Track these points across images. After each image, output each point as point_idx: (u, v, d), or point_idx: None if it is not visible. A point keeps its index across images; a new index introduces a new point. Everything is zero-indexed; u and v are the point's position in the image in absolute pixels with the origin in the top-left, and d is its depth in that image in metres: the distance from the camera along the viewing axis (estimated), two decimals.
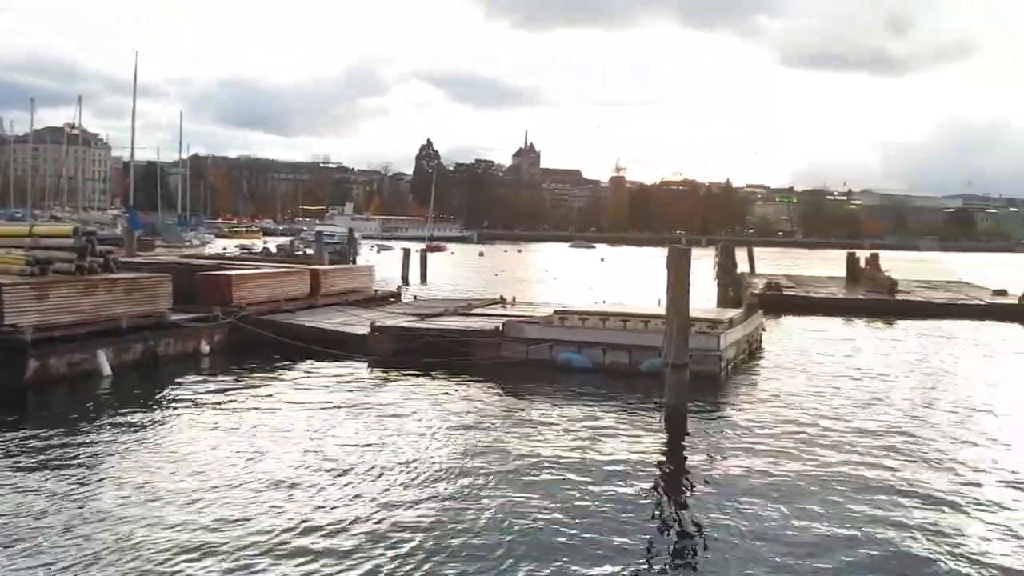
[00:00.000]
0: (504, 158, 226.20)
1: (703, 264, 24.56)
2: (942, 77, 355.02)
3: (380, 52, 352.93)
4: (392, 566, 7.10)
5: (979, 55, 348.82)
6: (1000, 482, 9.92)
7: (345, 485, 9.11)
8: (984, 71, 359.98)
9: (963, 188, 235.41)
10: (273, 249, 49.39)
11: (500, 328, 17.35)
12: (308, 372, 15.81)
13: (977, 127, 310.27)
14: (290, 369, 16.01)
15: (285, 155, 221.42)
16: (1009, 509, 8.94)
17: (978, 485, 9.78)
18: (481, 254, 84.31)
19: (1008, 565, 7.47)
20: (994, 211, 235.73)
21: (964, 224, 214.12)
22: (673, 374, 12.22)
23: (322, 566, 7.05)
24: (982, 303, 32.16)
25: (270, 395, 13.80)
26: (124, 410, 12.45)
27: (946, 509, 8.88)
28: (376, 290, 25.51)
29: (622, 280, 44.92)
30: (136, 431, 11.33)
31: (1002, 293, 34.02)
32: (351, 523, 8.00)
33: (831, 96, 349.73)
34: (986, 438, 12.14)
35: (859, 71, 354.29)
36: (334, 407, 12.92)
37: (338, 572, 6.97)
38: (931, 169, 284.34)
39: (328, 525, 7.92)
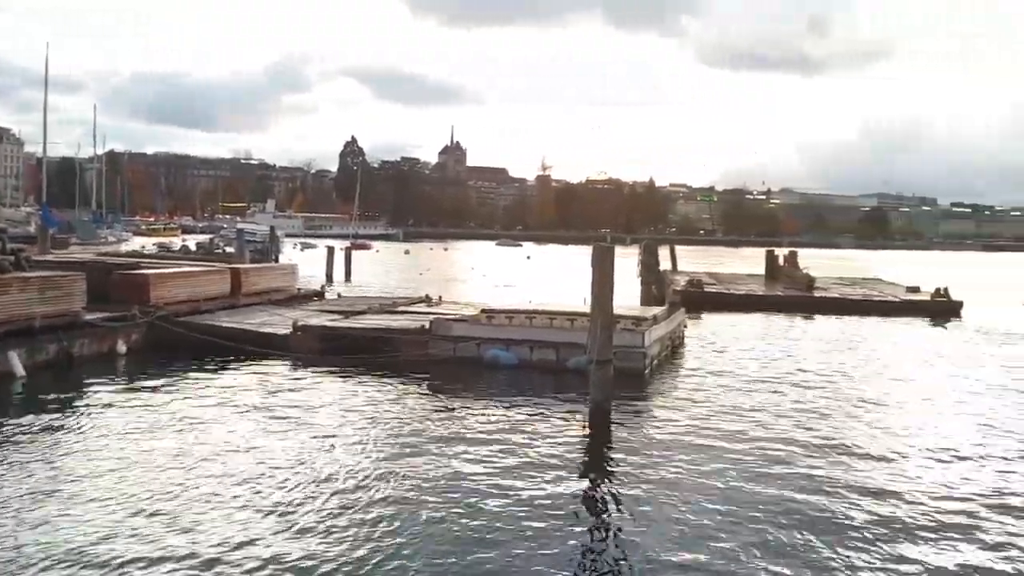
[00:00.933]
0: (430, 156, 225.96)
1: (627, 262, 24.86)
2: (860, 78, 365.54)
3: (305, 48, 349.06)
4: (312, 571, 7.01)
5: (895, 57, 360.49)
6: (905, 471, 10.25)
7: (264, 487, 8.95)
8: (900, 73, 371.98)
9: (880, 187, 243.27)
10: (192, 247, 48.44)
11: (427, 326, 17.27)
12: (228, 373, 15.52)
13: (894, 127, 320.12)
14: (210, 370, 15.67)
15: (205, 151, 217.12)
16: (911, 499, 9.22)
17: (884, 474, 10.08)
18: (407, 252, 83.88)
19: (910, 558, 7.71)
20: (907, 210, 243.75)
21: (878, 223, 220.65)
22: (598, 370, 12.35)
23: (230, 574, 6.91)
24: (896, 299, 33.19)
25: (188, 397, 13.47)
26: (37, 412, 12.01)
27: (858, 500, 9.13)
28: (299, 289, 25.20)
29: (549, 278, 45.16)
30: (50, 433, 10.96)
31: (915, 290, 35.17)
32: (269, 525, 7.87)
33: (753, 96, 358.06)
34: (895, 428, 12.56)
35: (781, 71, 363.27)
36: (255, 408, 12.69)
37: None
38: (849, 169, 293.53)
39: (242, 531, 7.76)
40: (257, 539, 7.52)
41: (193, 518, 7.95)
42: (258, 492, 8.77)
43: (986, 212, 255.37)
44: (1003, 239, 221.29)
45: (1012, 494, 9.44)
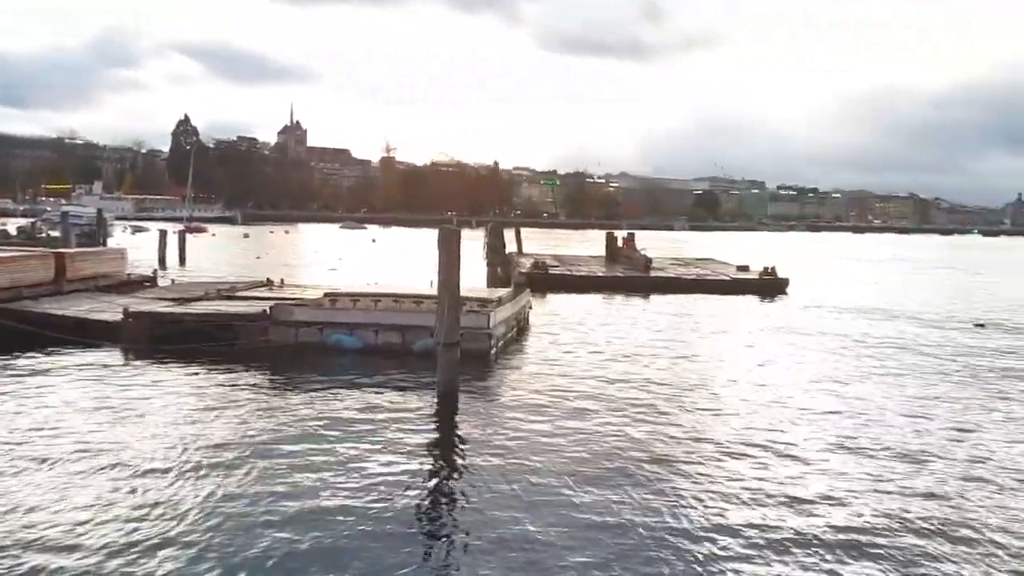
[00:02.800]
0: (269, 136, 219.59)
1: (474, 245, 24.91)
2: (692, 65, 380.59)
3: (131, 21, 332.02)
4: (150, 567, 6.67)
5: (724, 46, 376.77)
6: (737, 444, 10.71)
7: (95, 483, 8.46)
8: (729, 61, 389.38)
9: (712, 171, 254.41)
10: (13, 231, 45.48)
11: (267, 311, 16.76)
12: (53, 364, 14.57)
13: (723, 113, 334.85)
14: (33, 361, 14.68)
15: (23, 130, 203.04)
16: (740, 474, 9.65)
17: (719, 448, 10.50)
18: (246, 235, 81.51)
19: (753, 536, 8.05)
20: (737, 193, 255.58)
21: (710, 205, 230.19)
22: (445, 353, 12.31)
23: None
24: (727, 278, 34.66)
25: (8, 391, 12.57)
26: None
27: (693, 477, 9.46)
28: (129, 274, 24.02)
29: (395, 261, 44.83)
30: None
31: (745, 269, 36.92)
32: (100, 520, 7.44)
33: (591, 81, 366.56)
34: (729, 403, 13.06)
35: (616, 58, 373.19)
36: (82, 401, 11.99)
37: None
38: (683, 154, 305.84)
39: (69, 525, 7.32)
40: (85, 537, 7.09)
41: (14, 519, 7.43)
42: (89, 488, 8.27)
43: (810, 194, 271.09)
44: (825, 220, 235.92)
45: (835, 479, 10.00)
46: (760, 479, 9.23)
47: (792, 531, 7.75)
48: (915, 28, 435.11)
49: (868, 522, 8.04)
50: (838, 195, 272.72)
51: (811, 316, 25.22)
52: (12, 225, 55.24)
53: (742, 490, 8.85)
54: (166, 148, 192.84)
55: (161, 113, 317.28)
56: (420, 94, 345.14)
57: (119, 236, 56.52)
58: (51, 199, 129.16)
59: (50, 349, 15.46)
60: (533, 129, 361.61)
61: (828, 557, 7.22)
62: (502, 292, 19.49)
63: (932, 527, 7.96)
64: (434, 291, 13.53)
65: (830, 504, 8.50)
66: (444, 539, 7.55)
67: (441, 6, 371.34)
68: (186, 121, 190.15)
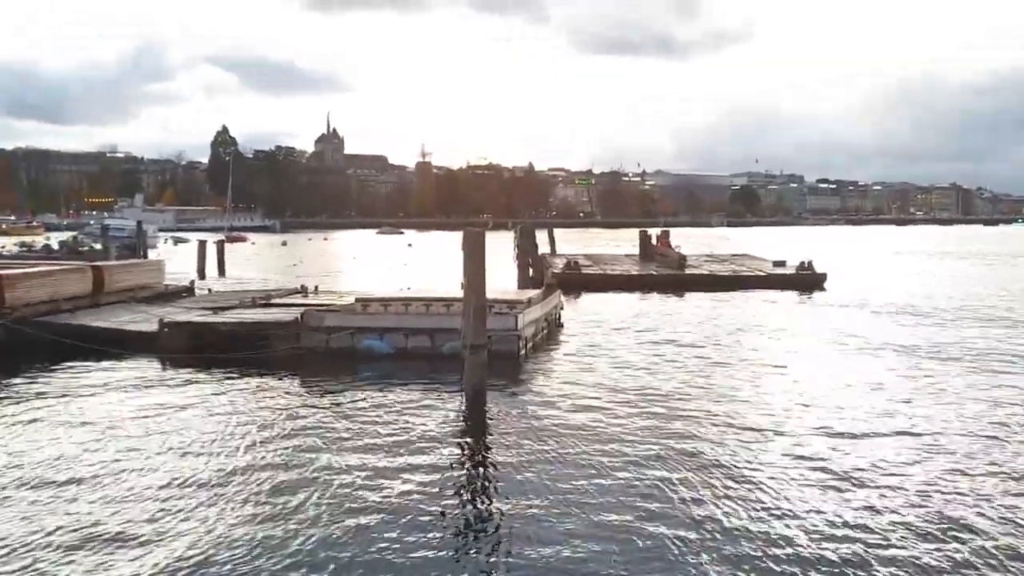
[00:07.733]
0: (306, 144, 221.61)
1: (508, 247, 24.96)
2: (725, 61, 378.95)
3: (163, 34, 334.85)
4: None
5: (756, 40, 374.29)
6: (784, 444, 10.63)
7: (138, 490, 8.63)
8: (762, 55, 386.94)
9: (749, 166, 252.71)
10: (55, 246, 46.42)
11: (299, 318, 16.95)
12: (91, 376, 14.81)
13: (758, 108, 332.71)
14: (72, 374, 14.96)
15: (66, 145, 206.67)
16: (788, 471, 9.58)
17: (766, 451, 10.41)
18: (284, 244, 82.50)
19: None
20: (775, 187, 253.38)
21: (748, 201, 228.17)
22: (472, 355, 12.37)
23: None
24: (763, 274, 34.39)
25: (49, 403, 12.80)
26: None
27: (736, 476, 9.38)
28: (167, 285, 24.41)
29: (431, 265, 45.05)
30: None
31: (781, 264, 36.57)
32: (146, 530, 7.58)
33: (623, 80, 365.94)
34: (768, 403, 12.91)
35: (647, 56, 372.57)
36: (121, 412, 12.19)
37: None
38: (719, 150, 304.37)
39: (118, 534, 7.46)
40: (131, 545, 7.24)
41: (67, 524, 7.60)
42: (132, 496, 8.44)
43: (850, 187, 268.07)
44: (866, 213, 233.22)
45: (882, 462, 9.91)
46: (805, 488, 9.12)
47: (831, 536, 7.71)
48: (953, 16, 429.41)
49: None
50: (879, 187, 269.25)
51: (849, 311, 24.93)
52: (55, 239, 56.41)
53: (784, 497, 8.68)
54: (205, 159, 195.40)
55: (197, 124, 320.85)
56: (454, 98, 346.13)
57: (161, 247, 57.43)
58: (94, 212, 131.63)
59: (88, 361, 15.74)
60: (567, 130, 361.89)
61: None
62: (532, 293, 19.53)
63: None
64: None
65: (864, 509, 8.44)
66: (477, 544, 7.56)
67: (468, 9, 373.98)
68: (224, 132, 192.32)
